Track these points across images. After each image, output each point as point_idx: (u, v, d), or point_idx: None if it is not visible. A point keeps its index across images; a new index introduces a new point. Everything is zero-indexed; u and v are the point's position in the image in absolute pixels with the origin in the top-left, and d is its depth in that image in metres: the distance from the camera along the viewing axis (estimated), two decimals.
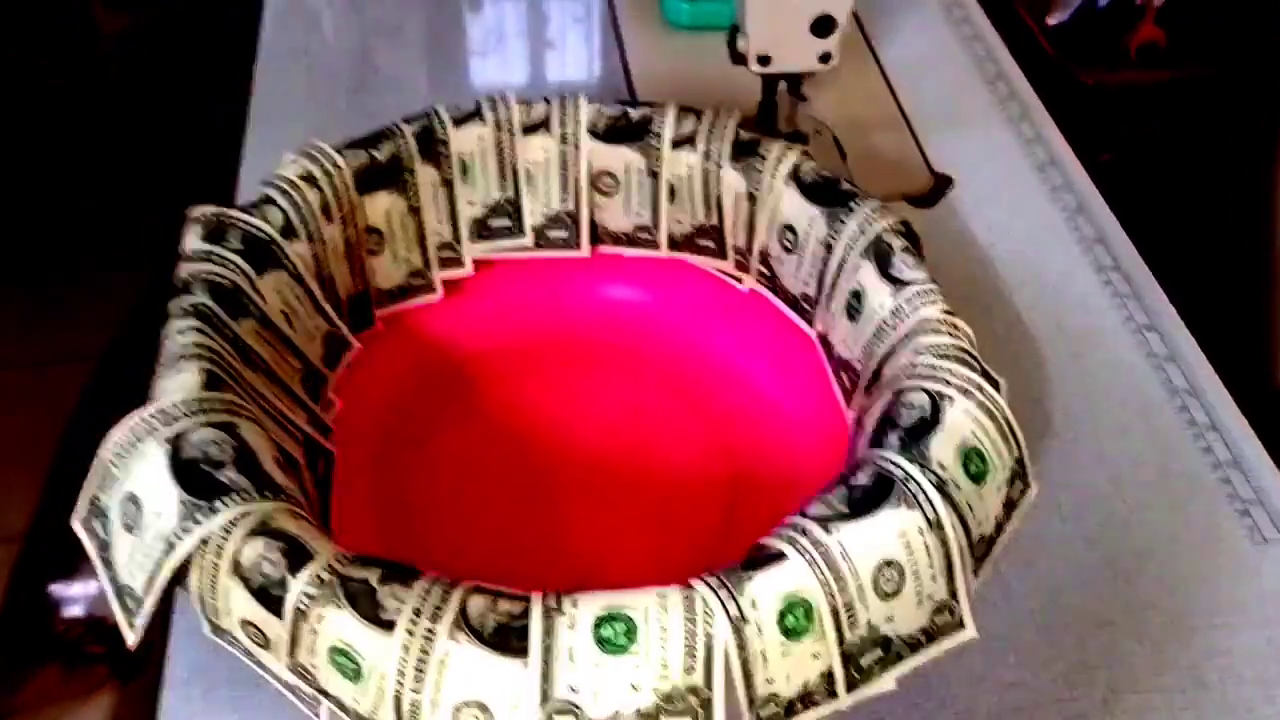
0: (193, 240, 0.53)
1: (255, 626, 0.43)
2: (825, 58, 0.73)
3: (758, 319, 0.63)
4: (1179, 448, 0.62)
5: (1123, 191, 0.80)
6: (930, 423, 0.47)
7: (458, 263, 0.62)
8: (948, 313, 0.52)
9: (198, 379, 0.47)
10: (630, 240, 0.64)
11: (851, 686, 0.44)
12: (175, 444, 0.44)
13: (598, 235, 0.64)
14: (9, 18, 1.55)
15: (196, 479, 0.44)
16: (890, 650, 0.44)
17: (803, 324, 0.60)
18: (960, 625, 0.46)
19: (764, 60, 0.73)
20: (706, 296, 0.65)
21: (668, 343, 0.66)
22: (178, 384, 0.47)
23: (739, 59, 0.74)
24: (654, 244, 0.64)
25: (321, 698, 0.44)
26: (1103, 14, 1.64)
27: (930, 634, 0.45)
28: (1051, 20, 1.61)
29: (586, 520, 0.59)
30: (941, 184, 0.78)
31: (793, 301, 0.61)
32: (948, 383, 0.48)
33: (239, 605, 0.43)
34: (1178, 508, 0.60)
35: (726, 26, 0.74)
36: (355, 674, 0.41)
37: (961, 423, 0.47)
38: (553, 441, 0.62)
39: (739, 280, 0.63)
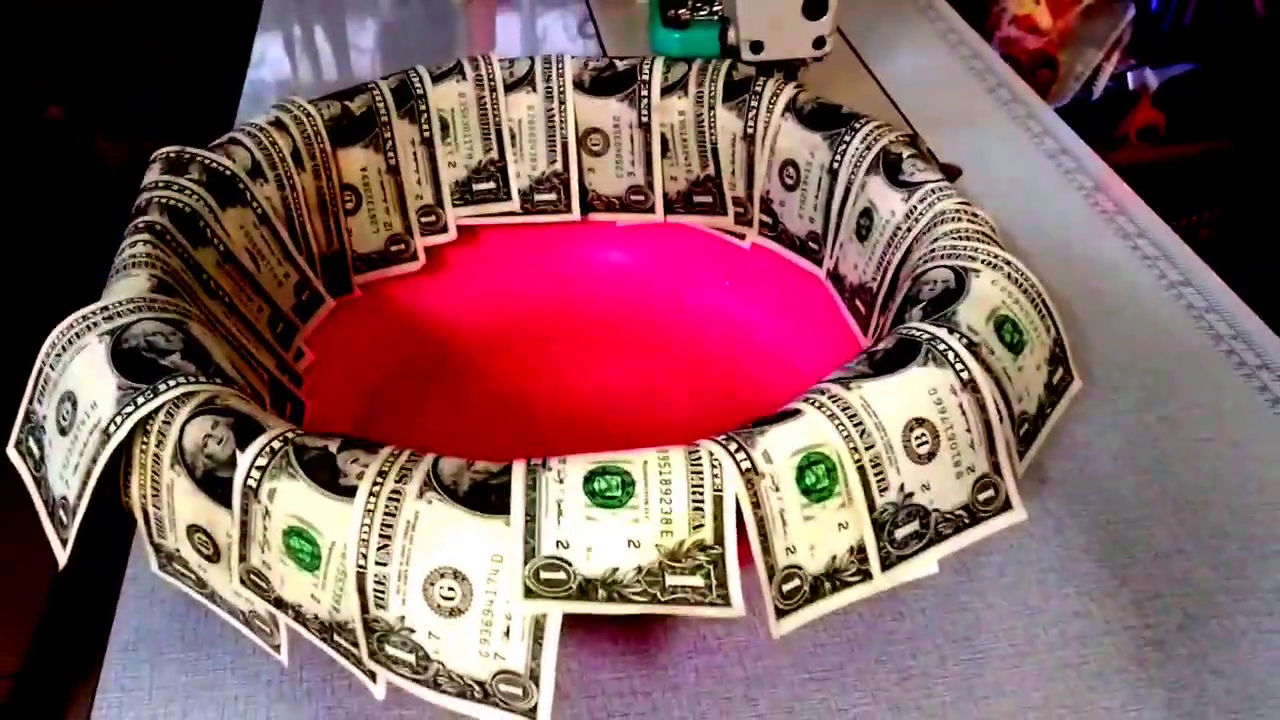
0: (153, 174, 0.50)
1: (203, 532, 0.38)
2: (819, 42, 0.70)
3: (762, 275, 0.59)
4: (1231, 389, 0.57)
5: None
6: (955, 292, 0.43)
7: (440, 228, 0.59)
8: (964, 203, 0.48)
9: (147, 283, 0.43)
10: (623, 204, 0.60)
11: (887, 564, 0.38)
12: (117, 336, 0.40)
13: (589, 202, 0.61)
14: (18, 151, 1.57)
15: (138, 365, 0.39)
16: (929, 525, 0.38)
17: (810, 266, 0.56)
18: (1007, 505, 0.40)
19: (756, 47, 0.71)
20: (705, 257, 0.61)
21: (669, 308, 0.61)
22: (125, 286, 0.43)
23: (730, 52, 0.72)
24: (649, 207, 0.60)
25: (278, 614, 0.38)
26: (1099, 103, 1.65)
27: (974, 512, 0.39)
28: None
29: None
30: (950, 173, 0.75)
31: (799, 244, 0.57)
32: (973, 258, 0.44)
33: (184, 505, 0.38)
34: (1238, 444, 0.54)
35: (715, 54, 0.72)
36: (313, 559, 0.36)
37: (990, 291, 0.43)
38: (546, 413, 0.57)
39: (740, 237, 0.60)
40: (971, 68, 0.88)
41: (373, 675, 0.36)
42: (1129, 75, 1.59)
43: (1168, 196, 1.55)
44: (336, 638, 0.37)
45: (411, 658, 0.35)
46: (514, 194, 0.59)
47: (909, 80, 0.85)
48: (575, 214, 0.60)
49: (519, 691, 0.34)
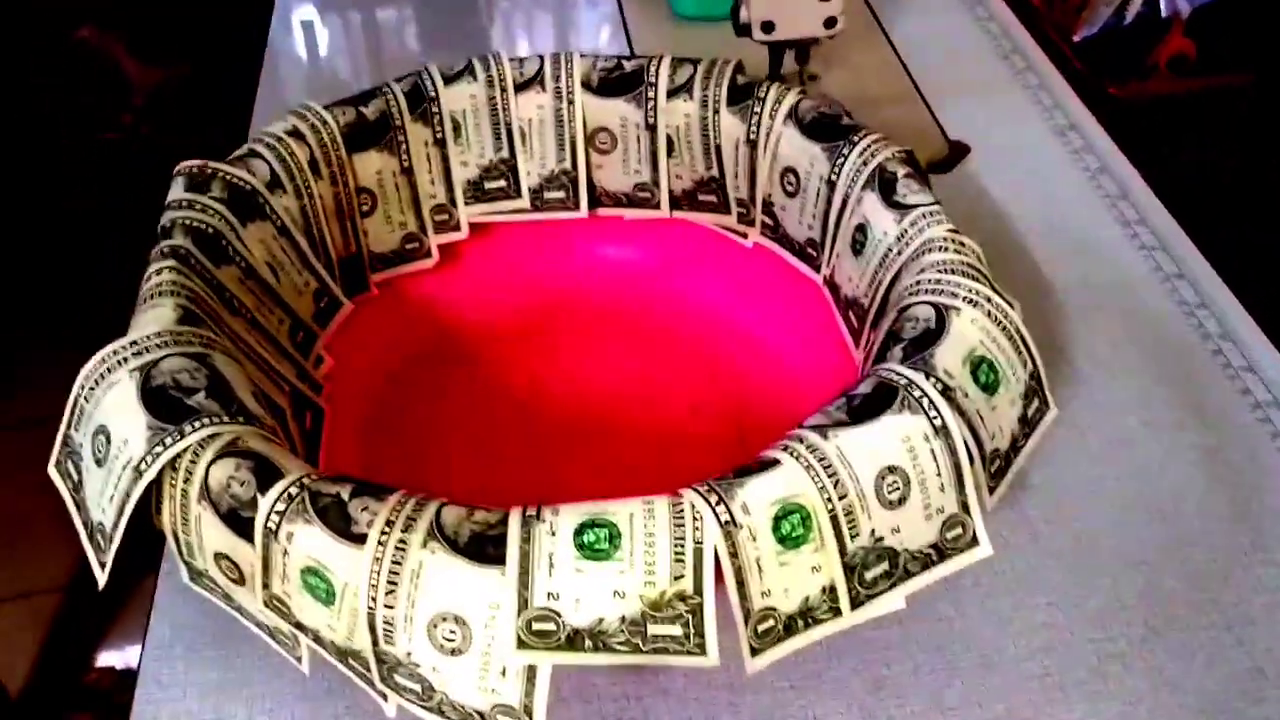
0: (176, 191, 0.52)
1: (229, 559, 0.41)
2: (830, 22, 0.71)
3: (762, 274, 0.61)
4: (1215, 390, 0.59)
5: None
6: (935, 333, 0.45)
7: (453, 226, 0.61)
8: (954, 231, 0.49)
9: (173, 314, 0.46)
10: (630, 201, 0.62)
11: (856, 603, 0.41)
12: (145, 373, 0.43)
13: (596, 197, 0.62)
14: (47, 75, 1.58)
15: (165, 404, 0.42)
16: (898, 565, 0.41)
17: (808, 271, 0.58)
18: (974, 542, 0.43)
19: (768, 27, 0.71)
20: (709, 254, 0.63)
21: (672, 303, 0.64)
22: (152, 318, 0.45)
23: (743, 30, 0.72)
24: (654, 203, 0.62)
25: (299, 634, 0.42)
26: (1130, 29, 1.62)
27: (942, 550, 0.42)
28: (1078, 36, 1.60)
29: (590, 480, 0.56)
30: (958, 151, 0.76)
31: (798, 249, 0.58)
32: (954, 294, 0.46)
33: (211, 535, 0.41)
34: (1215, 450, 0.56)
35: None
36: (328, 595, 0.39)
37: (969, 332, 0.45)
38: (555, 403, 0.60)
39: (743, 236, 0.62)
40: (987, 30, 0.88)
41: (384, 696, 0.40)
42: (1161, 1, 1.56)
43: (1195, 128, 1.54)
44: (351, 661, 0.40)
45: (418, 687, 0.39)
46: (524, 192, 0.61)
47: (924, 44, 0.85)
48: (583, 211, 0.62)
49: None
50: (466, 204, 0.61)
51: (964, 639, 0.49)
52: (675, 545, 0.38)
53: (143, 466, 0.41)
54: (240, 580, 0.42)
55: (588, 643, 0.37)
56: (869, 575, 0.41)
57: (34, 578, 1.43)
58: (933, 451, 0.41)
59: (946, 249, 0.49)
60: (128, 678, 1.34)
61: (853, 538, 0.40)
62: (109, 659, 1.37)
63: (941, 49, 0.85)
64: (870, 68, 0.83)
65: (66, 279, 1.60)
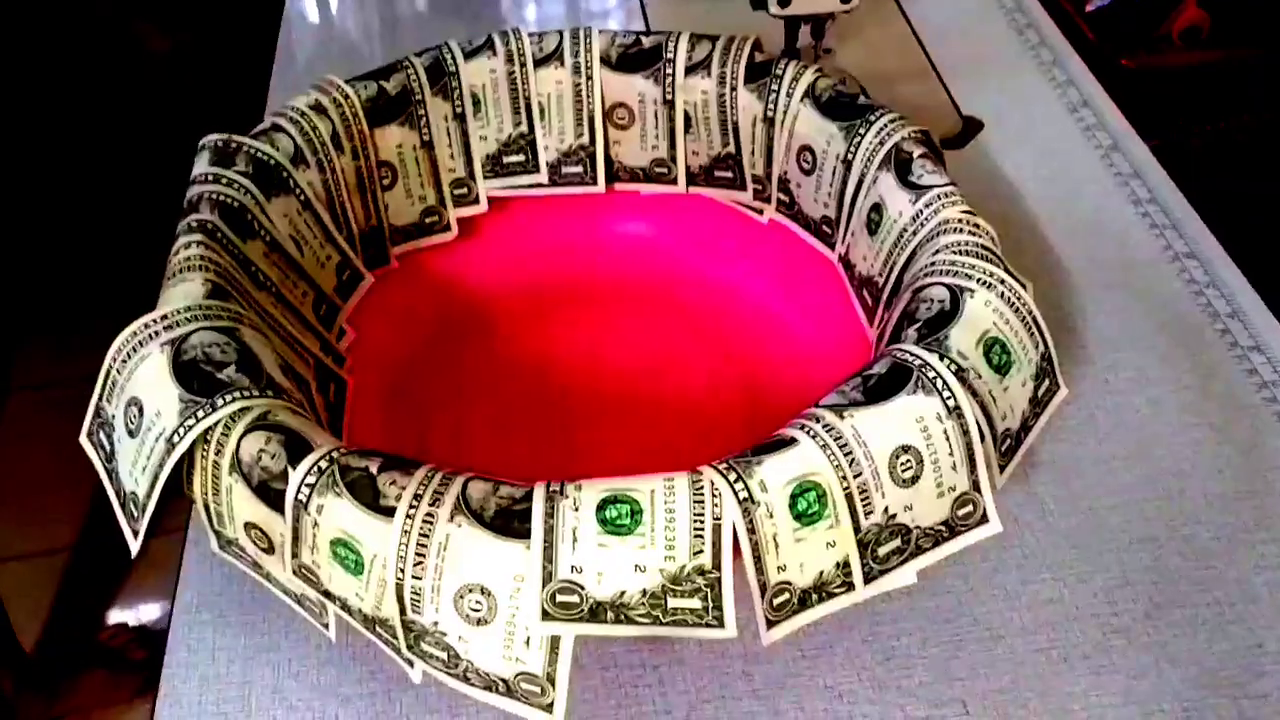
0: (202, 165, 0.53)
1: (259, 529, 0.42)
2: None
3: (778, 250, 0.62)
4: (1222, 369, 0.60)
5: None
6: (949, 314, 0.45)
7: (472, 200, 0.62)
8: (968, 212, 0.50)
9: (202, 288, 0.47)
10: (647, 176, 0.63)
11: (869, 578, 0.42)
12: (176, 346, 0.44)
13: (614, 173, 0.63)
14: (57, 41, 1.58)
15: (197, 378, 0.43)
16: (910, 541, 0.42)
17: (823, 248, 0.59)
18: (984, 519, 0.44)
19: (784, 2, 0.72)
20: (725, 230, 0.64)
21: (688, 278, 0.64)
22: (181, 292, 0.46)
23: (759, 3, 0.73)
24: (671, 179, 0.63)
25: (327, 601, 0.43)
26: (1141, 1, 1.62)
27: (952, 527, 0.43)
28: (1091, 6, 1.59)
29: (606, 453, 0.57)
30: (971, 127, 0.76)
31: (813, 227, 0.59)
32: (969, 276, 0.47)
33: (241, 506, 0.42)
34: (1221, 427, 0.57)
35: None
36: (357, 566, 0.40)
37: (982, 313, 0.46)
38: (571, 375, 0.61)
39: (759, 212, 0.62)
40: (1001, 5, 0.88)
41: (411, 662, 0.41)
42: None
43: (1207, 101, 1.54)
44: (378, 629, 0.42)
45: (444, 655, 0.40)
46: (542, 166, 0.62)
47: (939, 19, 0.85)
48: (600, 186, 0.63)
49: (538, 690, 0.39)
50: (485, 178, 0.62)
51: (972, 613, 0.50)
52: (695, 521, 0.39)
53: (175, 439, 0.42)
54: (270, 549, 0.43)
55: (609, 615, 0.38)
56: (882, 551, 0.42)
57: (49, 536, 1.44)
58: (945, 431, 0.42)
59: (961, 230, 0.49)
60: (141, 635, 1.36)
61: (867, 515, 0.41)
62: (122, 617, 1.38)
63: (956, 24, 0.86)
64: (885, 43, 0.84)
65: (77, 245, 1.61)
